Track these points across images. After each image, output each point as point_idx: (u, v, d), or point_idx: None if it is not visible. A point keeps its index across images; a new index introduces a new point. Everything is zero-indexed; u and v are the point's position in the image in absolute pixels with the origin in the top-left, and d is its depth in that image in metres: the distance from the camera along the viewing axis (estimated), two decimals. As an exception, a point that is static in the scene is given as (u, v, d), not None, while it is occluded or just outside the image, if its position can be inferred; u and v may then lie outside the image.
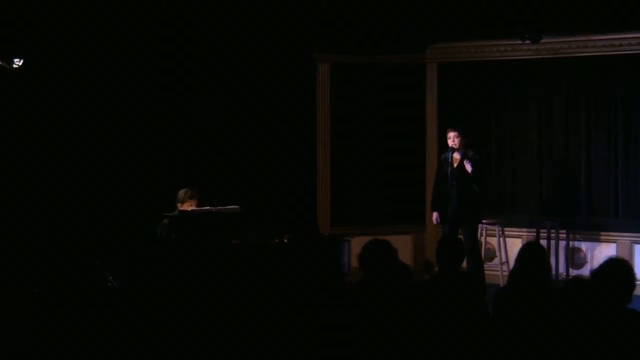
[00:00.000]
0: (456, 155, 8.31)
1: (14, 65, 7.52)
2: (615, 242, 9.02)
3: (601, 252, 8.89)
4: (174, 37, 8.81)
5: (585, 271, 8.74)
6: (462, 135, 8.27)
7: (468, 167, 8.14)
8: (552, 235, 9.11)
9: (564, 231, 9.14)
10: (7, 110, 8.35)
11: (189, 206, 7.49)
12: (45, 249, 7.55)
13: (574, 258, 9.22)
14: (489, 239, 9.30)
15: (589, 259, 9.13)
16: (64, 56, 8.44)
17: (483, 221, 8.85)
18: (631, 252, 8.82)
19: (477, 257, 8.43)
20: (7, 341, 4.84)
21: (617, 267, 4.30)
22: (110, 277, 6.33)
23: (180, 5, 8.42)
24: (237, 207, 7.37)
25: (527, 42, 8.83)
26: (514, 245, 8.53)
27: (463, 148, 8.30)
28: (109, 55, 8.66)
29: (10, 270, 6.60)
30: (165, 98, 9.02)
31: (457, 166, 8.27)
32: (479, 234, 8.91)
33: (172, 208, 7.58)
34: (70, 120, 8.61)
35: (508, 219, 9.33)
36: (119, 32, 8.52)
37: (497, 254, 9.23)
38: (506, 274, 8.33)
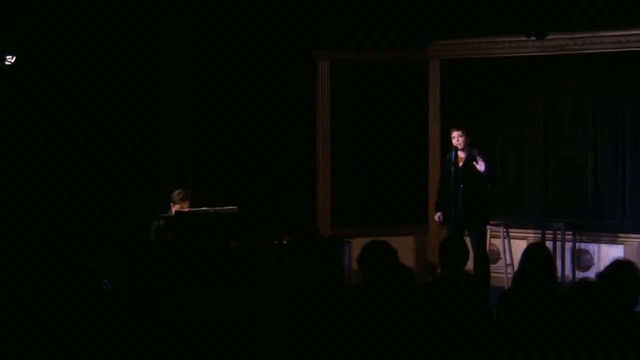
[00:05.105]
0: (461, 155, 8.20)
1: (6, 63, 7.50)
2: (622, 244, 8.96)
3: (608, 253, 8.81)
4: (173, 34, 8.77)
5: (592, 273, 8.63)
6: (465, 134, 8.16)
7: (481, 167, 7.98)
8: (558, 236, 9.04)
9: (570, 232, 9.06)
10: (3, 109, 8.30)
11: (181, 207, 7.54)
12: (40, 250, 7.47)
13: (581, 260, 9.14)
14: (493, 240, 9.25)
15: (595, 260, 9.06)
16: (60, 54, 8.43)
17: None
18: (639, 254, 8.74)
19: (484, 259, 8.30)
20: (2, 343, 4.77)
21: (624, 269, 4.26)
22: (106, 280, 6.26)
23: (179, 3, 8.36)
24: (235, 207, 7.37)
25: (532, 38, 8.77)
26: (519, 247, 8.39)
27: (468, 147, 8.20)
28: (107, 52, 8.65)
29: (4, 271, 6.52)
30: (164, 96, 9.00)
31: (462, 166, 8.17)
32: (487, 235, 8.79)
33: (166, 208, 7.56)
34: (66, 119, 8.58)
35: (513, 220, 9.27)
36: (117, 30, 8.50)
37: (502, 255, 9.16)
38: (511, 276, 8.21)
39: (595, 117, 9.18)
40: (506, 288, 7.94)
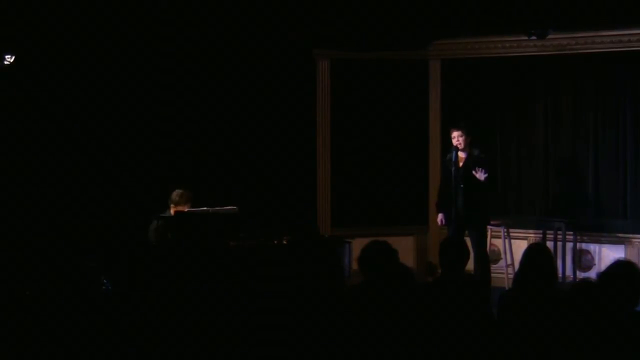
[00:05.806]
0: (461, 155, 8.18)
1: (5, 62, 7.48)
2: (623, 244, 8.92)
3: (609, 254, 8.79)
4: (173, 34, 8.76)
5: (593, 273, 8.61)
6: (466, 134, 8.15)
7: (481, 177, 7.97)
8: (559, 236, 9.01)
9: (571, 232, 9.03)
10: (3, 109, 8.29)
11: (182, 209, 7.46)
12: (40, 250, 7.47)
13: (581, 260, 9.11)
14: (494, 240, 9.23)
15: (596, 261, 9.04)
16: (60, 54, 8.41)
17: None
18: (640, 254, 8.72)
19: (485, 259, 8.28)
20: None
21: (625, 269, 4.24)
22: (106, 280, 6.26)
23: (179, 3, 8.34)
24: (234, 207, 7.33)
25: (533, 38, 8.75)
26: (520, 247, 8.38)
27: (468, 147, 8.18)
28: (105, 52, 8.64)
29: (4, 271, 6.51)
30: (164, 96, 8.98)
31: (462, 166, 8.15)
32: (488, 235, 8.76)
33: (165, 208, 7.50)
34: (66, 119, 8.57)
35: (514, 220, 9.25)
36: (116, 29, 8.47)
37: (503, 256, 9.13)
38: (512, 276, 8.19)
39: (596, 117, 9.16)
40: (507, 288, 7.93)
